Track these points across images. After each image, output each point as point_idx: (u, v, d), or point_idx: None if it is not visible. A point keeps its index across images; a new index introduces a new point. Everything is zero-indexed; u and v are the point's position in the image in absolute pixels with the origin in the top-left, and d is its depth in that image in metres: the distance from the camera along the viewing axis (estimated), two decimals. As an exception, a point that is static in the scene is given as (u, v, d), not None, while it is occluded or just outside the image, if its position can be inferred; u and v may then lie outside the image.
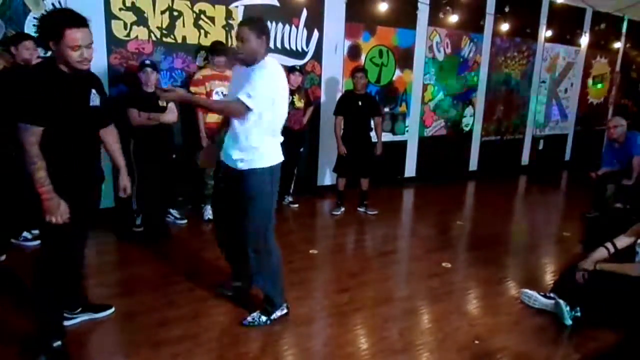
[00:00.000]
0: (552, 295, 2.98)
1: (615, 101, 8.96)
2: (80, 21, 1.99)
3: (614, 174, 4.96)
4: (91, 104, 2.17)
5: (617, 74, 8.91)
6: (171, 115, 4.02)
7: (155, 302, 2.87)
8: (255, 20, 2.50)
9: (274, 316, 2.69)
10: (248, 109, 2.33)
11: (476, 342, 2.59)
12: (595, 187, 5.13)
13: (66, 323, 2.41)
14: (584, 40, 8.07)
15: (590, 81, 8.51)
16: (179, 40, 4.43)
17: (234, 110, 2.40)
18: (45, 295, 2.20)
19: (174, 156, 4.23)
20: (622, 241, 2.94)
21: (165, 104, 3.94)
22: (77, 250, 2.39)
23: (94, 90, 2.17)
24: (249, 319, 2.68)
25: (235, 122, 2.45)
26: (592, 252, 2.96)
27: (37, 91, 1.98)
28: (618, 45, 8.69)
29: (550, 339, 2.69)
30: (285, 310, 2.75)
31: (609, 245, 2.94)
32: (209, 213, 4.48)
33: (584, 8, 7.79)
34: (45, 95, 1.98)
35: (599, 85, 8.68)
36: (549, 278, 3.56)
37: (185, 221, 4.37)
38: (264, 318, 2.68)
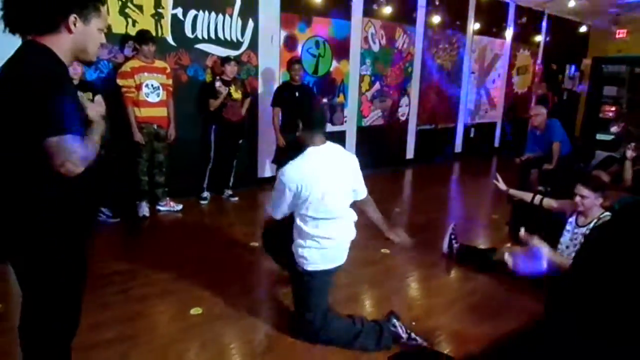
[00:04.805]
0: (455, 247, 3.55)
1: (537, 91, 9.55)
2: None
3: (537, 159, 5.28)
4: None
5: (539, 65, 9.50)
6: (99, 108, 3.80)
7: (87, 305, 2.70)
8: None
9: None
10: None
11: (413, 323, 2.68)
12: (519, 172, 5.45)
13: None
14: (509, 33, 8.53)
15: (514, 72, 9.03)
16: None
17: None
18: None
19: (102, 152, 4.01)
20: (549, 202, 3.37)
21: (91, 98, 3.71)
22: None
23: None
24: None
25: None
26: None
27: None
28: (539, 38, 9.27)
29: (483, 318, 2.84)
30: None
31: (537, 196, 3.40)
32: (144, 210, 4.32)
33: (507, 2, 8.22)
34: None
35: (522, 76, 9.22)
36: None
37: (118, 219, 4.18)
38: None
